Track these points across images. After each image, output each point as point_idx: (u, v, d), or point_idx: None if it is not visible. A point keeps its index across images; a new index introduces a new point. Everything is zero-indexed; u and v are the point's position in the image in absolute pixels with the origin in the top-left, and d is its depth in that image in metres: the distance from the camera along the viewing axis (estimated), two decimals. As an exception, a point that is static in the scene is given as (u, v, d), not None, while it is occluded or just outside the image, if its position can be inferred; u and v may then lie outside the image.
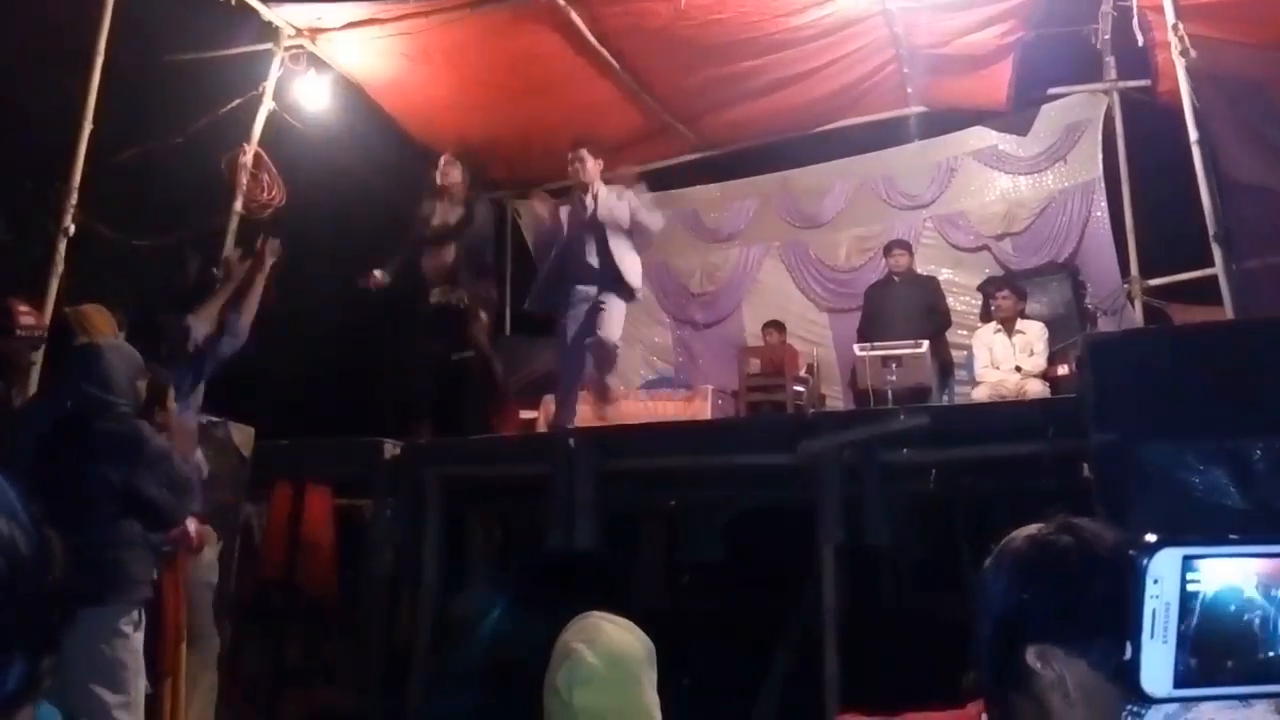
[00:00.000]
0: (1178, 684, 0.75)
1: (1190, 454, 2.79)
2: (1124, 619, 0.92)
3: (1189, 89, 5.15)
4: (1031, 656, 0.98)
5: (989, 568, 1.06)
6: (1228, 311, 4.91)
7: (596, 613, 1.86)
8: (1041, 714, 0.98)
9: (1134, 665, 0.75)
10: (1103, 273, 7.26)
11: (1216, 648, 0.76)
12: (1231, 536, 0.78)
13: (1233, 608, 0.76)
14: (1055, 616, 0.98)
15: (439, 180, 6.10)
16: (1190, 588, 0.75)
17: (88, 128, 5.24)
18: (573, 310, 5.56)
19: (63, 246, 5.04)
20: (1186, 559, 0.75)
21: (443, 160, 6.15)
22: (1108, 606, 0.94)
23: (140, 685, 3.20)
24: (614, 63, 6.62)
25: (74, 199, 5.15)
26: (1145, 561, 0.75)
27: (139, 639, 3.19)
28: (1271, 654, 0.76)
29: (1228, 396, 2.86)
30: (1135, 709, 0.89)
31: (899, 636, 4.77)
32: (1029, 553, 1.02)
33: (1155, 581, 0.75)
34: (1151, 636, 0.75)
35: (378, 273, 5.88)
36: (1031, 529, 1.04)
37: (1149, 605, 0.75)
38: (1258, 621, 0.76)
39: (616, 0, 6.01)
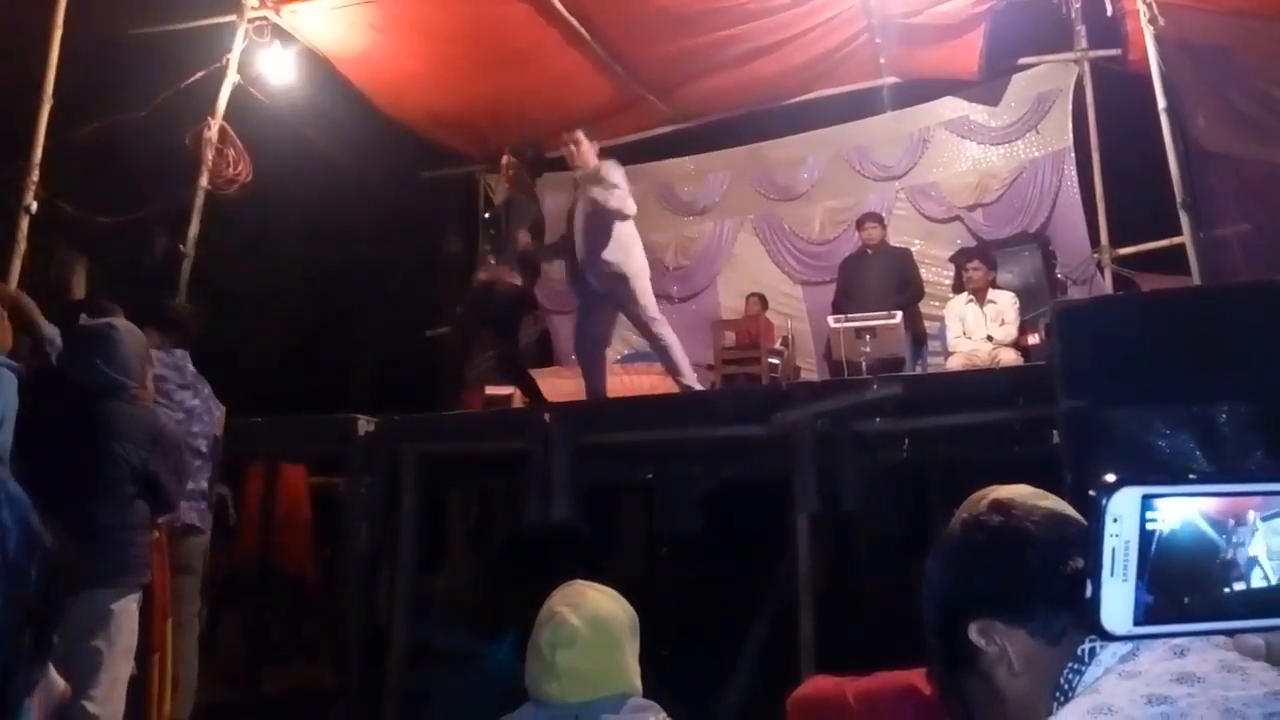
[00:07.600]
0: (1138, 621, 0.77)
1: (1157, 419, 2.83)
2: (1058, 587, 0.94)
3: (1157, 57, 5.18)
4: (974, 633, 1.01)
5: (930, 555, 1.09)
6: (1195, 279, 4.97)
7: (581, 580, 1.88)
8: (990, 689, 1.01)
9: (1094, 603, 0.76)
10: (1073, 242, 7.32)
11: (1175, 585, 0.77)
12: (1190, 476, 0.79)
13: (1191, 546, 0.77)
14: (992, 591, 1.01)
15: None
16: (1149, 526, 0.76)
17: (48, 104, 5.14)
18: None
19: (25, 224, 4.96)
20: (1145, 498, 0.76)
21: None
22: (1041, 575, 0.98)
23: (130, 664, 3.24)
24: (584, 33, 6.55)
25: (36, 176, 5.05)
26: (1105, 500, 0.76)
27: (137, 618, 3.24)
28: (1228, 591, 0.77)
29: (1194, 362, 2.90)
30: (1075, 666, 0.91)
31: (873, 604, 4.84)
32: (962, 535, 1.06)
33: (1115, 520, 0.76)
34: (1111, 574, 0.76)
35: None
36: (964, 513, 1.07)
37: (1108, 544, 0.76)
38: (1215, 559, 0.77)
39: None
